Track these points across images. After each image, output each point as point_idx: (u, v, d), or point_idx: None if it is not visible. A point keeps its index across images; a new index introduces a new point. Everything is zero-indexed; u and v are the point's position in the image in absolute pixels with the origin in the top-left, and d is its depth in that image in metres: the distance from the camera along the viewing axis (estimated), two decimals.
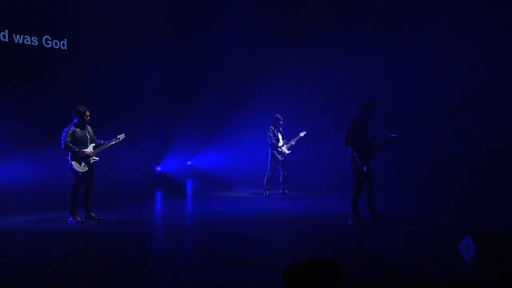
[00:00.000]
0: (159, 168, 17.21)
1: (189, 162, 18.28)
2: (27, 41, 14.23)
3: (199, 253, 7.65)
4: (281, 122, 13.68)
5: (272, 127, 13.64)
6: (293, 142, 13.82)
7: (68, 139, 9.80)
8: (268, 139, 13.63)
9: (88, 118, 10.03)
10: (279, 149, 13.62)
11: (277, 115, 13.71)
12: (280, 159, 13.67)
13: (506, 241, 6.90)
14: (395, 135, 9.26)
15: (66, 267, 6.90)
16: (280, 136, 13.71)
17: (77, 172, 9.90)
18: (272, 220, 10.45)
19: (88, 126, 10.14)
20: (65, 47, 14.79)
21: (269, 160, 13.75)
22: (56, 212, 10.78)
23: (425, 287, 5.96)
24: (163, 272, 6.62)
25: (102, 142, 10.18)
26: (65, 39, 14.82)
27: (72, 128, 9.91)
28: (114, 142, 10.19)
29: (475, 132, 15.23)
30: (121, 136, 10.24)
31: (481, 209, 10.83)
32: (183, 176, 17.88)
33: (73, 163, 9.87)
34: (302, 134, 13.90)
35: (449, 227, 9.03)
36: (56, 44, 14.68)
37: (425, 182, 13.41)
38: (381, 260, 7.07)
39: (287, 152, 13.74)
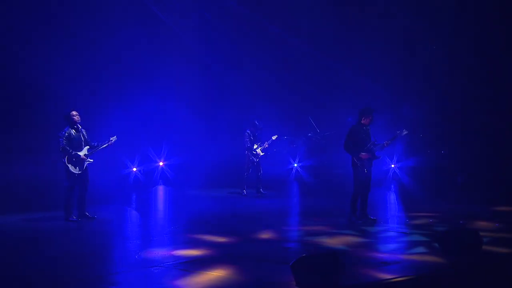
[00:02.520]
0: (134, 169, 17.57)
1: (162, 163, 18.69)
2: None
3: (201, 249, 8.27)
4: (258, 126, 14.43)
5: (249, 131, 14.38)
6: (266, 145, 14.62)
7: (65, 142, 10.26)
8: (244, 142, 14.38)
9: (78, 117, 10.44)
10: (253, 151, 14.37)
11: (255, 120, 14.45)
12: (255, 160, 14.43)
13: (473, 236, 7.85)
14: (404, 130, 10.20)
15: (66, 267, 7.23)
16: (255, 140, 14.45)
17: (72, 173, 10.37)
18: (257, 217, 11.27)
19: (83, 129, 10.59)
20: None
21: (245, 162, 14.50)
22: (51, 211, 11.18)
23: (404, 277, 6.81)
24: (168, 267, 7.16)
25: (95, 144, 10.65)
26: None
27: (68, 130, 10.36)
28: (106, 144, 10.71)
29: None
30: (113, 138, 10.77)
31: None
32: (158, 177, 18.30)
33: (69, 165, 10.33)
34: (274, 137, 14.74)
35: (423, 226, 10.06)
36: None
37: None
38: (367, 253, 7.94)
39: (261, 154, 14.51)
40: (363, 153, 10.02)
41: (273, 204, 13.04)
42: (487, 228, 9.17)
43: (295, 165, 18.71)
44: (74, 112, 10.43)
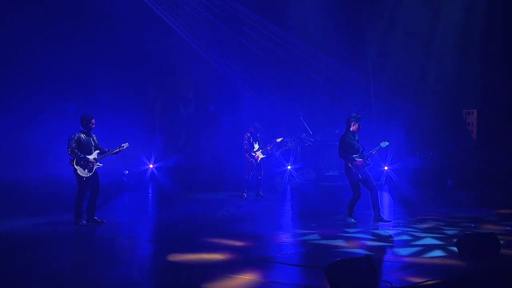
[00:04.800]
0: (126, 172, 17.49)
1: (151, 165, 18.66)
2: None
3: (222, 253, 8.32)
4: (258, 128, 14.52)
5: (249, 134, 14.47)
6: (268, 147, 14.77)
7: (74, 144, 10.23)
8: (243, 145, 14.47)
9: (93, 125, 10.48)
10: (252, 153, 14.46)
11: (255, 123, 14.55)
12: (254, 163, 14.52)
13: (491, 239, 8.08)
14: (385, 142, 10.54)
15: (96, 272, 7.23)
16: (256, 142, 14.55)
17: (81, 176, 10.34)
18: (265, 220, 11.44)
19: (93, 134, 10.58)
20: None
21: (245, 165, 14.59)
22: (61, 215, 11.12)
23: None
24: (199, 271, 7.24)
25: (106, 149, 10.66)
26: None
27: (78, 134, 10.34)
28: (117, 150, 10.71)
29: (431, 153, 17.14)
30: (125, 145, 10.79)
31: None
32: (148, 179, 18.24)
33: (78, 168, 10.31)
34: (278, 140, 14.91)
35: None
36: None
37: None
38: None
39: (261, 156, 14.61)
40: (359, 160, 10.32)
41: (276, 207, 13.25)
42: (499, 232, 9.43)
43: (289, 167, 18.86)
44: (93, 121, 10.43)
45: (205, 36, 18.30)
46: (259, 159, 14.54)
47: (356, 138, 10.59)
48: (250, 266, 7.49)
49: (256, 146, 14.51)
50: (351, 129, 10.55)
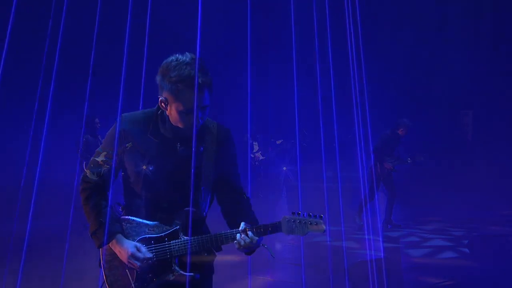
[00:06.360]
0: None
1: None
2: None
3: (235, 255, 8.31)
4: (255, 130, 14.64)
5: (249, 135, 14.49)
6: (269, 149, 14.85)
7: (83, 148, 10.17)
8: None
9: (99, 124, 10.43)
10: (251, 155, 14.53)
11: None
12: (254, 164, 14.58)
13: (503, 240, 8.21)
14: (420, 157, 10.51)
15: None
16: (256, 144, 14.62)
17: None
18: (271, 221, 11.36)
19: (99, 135, 10.52)
20: None
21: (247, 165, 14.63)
22: (67, 218, 11.00)
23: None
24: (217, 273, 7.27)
25: None
26: None
27: (85, 136, 10.28)
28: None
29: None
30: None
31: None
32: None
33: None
34: (278, 142, 14.97)
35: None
36: None
37: None
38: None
39: (261, 157, 14.68)
40: (388, 163, 10.32)
41: (277, 208, 13.24)
42: (505, 233, 9.58)
43: (284, 168, 18.87)
44: (97, 120, 10.41)
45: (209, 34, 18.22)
46: (259, 160, 14.63)
47: (398, 141, 10.47)
48: (267, 267, 7.52)
49: (256, 147, 14.58)
50: (398, 131, 10.38)
